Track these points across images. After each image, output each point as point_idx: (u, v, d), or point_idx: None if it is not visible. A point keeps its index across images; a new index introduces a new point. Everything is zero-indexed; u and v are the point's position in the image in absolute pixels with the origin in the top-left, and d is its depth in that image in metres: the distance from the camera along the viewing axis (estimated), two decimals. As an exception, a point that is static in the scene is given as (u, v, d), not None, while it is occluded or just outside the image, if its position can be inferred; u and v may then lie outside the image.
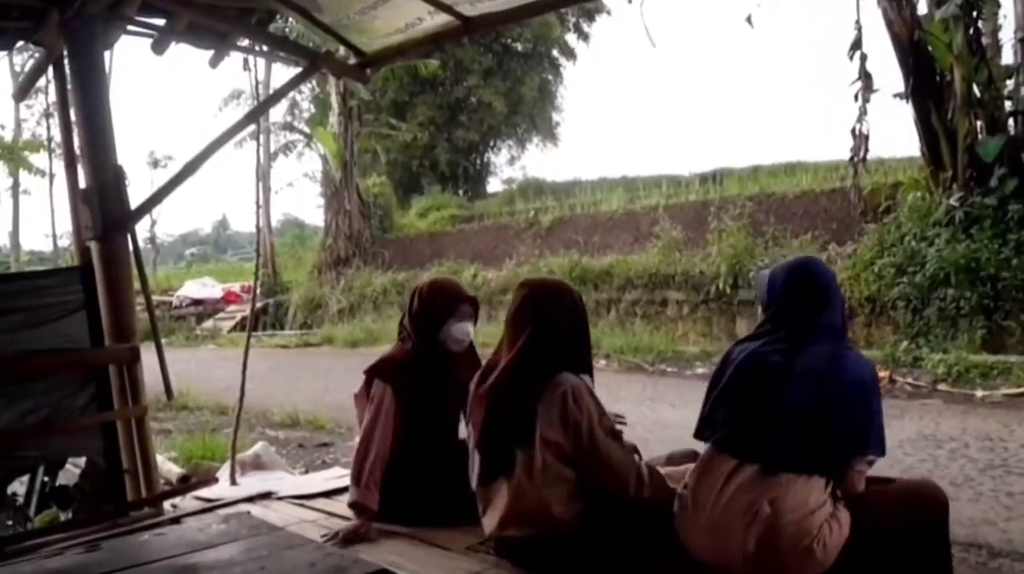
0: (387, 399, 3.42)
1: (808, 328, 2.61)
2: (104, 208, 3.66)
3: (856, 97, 9.57)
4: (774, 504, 2.46)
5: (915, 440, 5.77)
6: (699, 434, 2.72)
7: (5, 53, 8.06)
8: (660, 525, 2.67)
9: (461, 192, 24.85)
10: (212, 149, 3.93)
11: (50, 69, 4.09)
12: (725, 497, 2.53)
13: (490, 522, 2.91)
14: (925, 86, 9.63)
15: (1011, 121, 9.51)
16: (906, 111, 9.95)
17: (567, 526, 2.74)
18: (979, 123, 9.45)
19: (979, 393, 7.30)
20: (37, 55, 4.69)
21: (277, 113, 23.52)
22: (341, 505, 3.77)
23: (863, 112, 9.58)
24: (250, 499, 4.01)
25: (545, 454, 2.70)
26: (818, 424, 2.48)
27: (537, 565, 2.82)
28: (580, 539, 2.74)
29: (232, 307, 20.34)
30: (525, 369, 2.78)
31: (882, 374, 8.08)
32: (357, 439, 3.50)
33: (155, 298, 17.84)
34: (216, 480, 4.55)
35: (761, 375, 2.60)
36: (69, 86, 3.94)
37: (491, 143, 26.31)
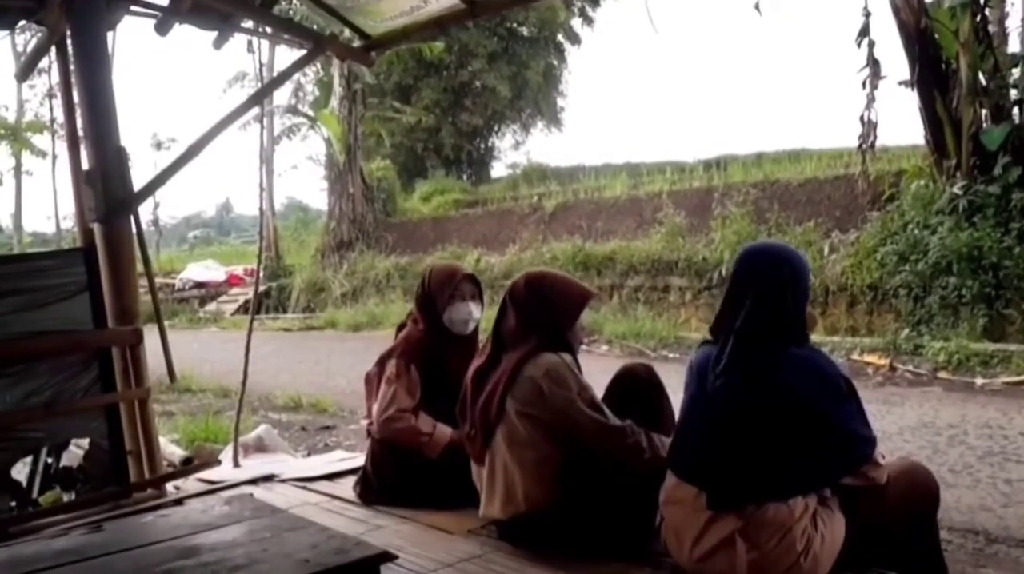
0: (412, 373, 3.46)
1: (754, 327, 2.29)
2: (107, 190, 3.65)
3: (864, 84, 9.53)
4: (748, 537, 2.25)
5: (915, 427, 5.79)
6: (668, 461, 2.49)
7: (7, 33, 8.03)
8: (643, 507, 2.64)
9: (465, 176, 24.81)
10: (216, 131, 3.92)
11: (53, 49, 4.06)
12: (697, 529, 2.34)
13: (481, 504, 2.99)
14: (931, 74, 9.57)
15: (1016, 110, 9.45)
16: (911, 99, 9.91)
17: (545, 508, 2.78)
18: (984, 111, 9.40)
19: (979, 381, 7.30)
20: (40, 35, 4.66)
21: (281, 96, 23.46)
22: (344, 487, 3.80)
23: (871, 99, 9.54)
24: (253, 481, 4.03)
25: (525, 426, 2.76)
26: (767, 445, 2.23)
27: (528, 546, 2.86)
28: (559, 522, 2.78)
29: (235, 290, 20.37)
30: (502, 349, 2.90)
31: (883, 362, 8.10)
32: (384, 413, 3.43)
33: (158, 280, 17.86)
34: (219, 462, 4.55)
35: (701, 388, 2.36)
36: (72, 67, 3.92)
37: (495, 127, 26.25)
